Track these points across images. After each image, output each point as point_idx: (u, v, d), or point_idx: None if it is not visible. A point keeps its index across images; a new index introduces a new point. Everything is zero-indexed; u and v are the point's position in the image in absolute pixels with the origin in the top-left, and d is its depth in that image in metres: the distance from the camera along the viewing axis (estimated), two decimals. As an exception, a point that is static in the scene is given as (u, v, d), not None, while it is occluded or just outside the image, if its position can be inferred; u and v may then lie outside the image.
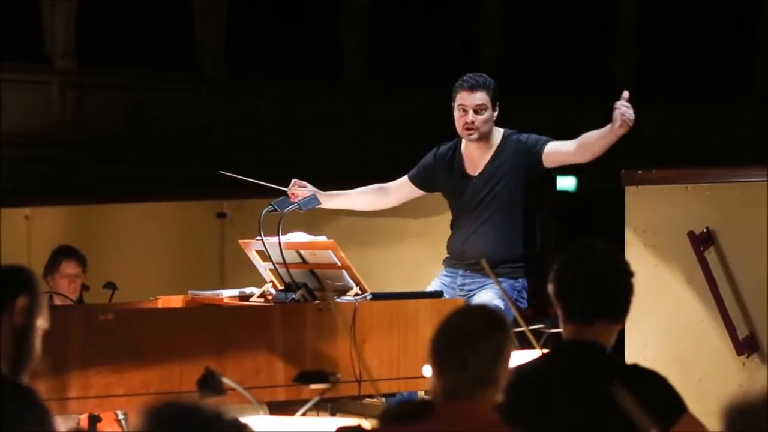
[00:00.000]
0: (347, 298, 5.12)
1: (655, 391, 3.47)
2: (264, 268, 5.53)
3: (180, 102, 16.25)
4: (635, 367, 3.59)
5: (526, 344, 4.91)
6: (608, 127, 5.46)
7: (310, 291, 5.09)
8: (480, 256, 5.32)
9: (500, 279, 5.46)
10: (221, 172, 5.84)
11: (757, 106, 19.35)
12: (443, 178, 5.78)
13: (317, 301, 5.04)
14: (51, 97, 15.44)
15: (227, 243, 8.44)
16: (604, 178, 6.58)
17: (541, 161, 5.57)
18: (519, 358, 3.86)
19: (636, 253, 5.52)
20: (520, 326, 5.07)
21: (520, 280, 5.57)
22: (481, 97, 5.61)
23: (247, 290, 5.51)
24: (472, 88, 5.62)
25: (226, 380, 4.26)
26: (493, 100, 5.64)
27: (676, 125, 18.83)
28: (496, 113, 5.66)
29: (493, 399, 3.22)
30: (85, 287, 6.95)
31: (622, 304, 3.58)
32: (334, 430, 3.74)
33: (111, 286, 6.73)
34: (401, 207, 7.19)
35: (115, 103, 15.73)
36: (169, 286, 6.34)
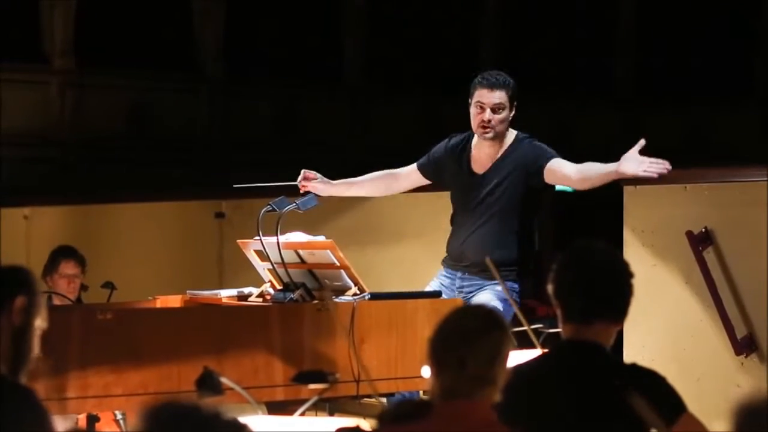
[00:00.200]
0: (346, 298, 5.12)
1: (654, 391, 3.47)
2: (262, 268, 5.53)
3: (179, 102, 16.24)
4: (634, 367, 3.59)
5: (525, 344, 4.91)
6: (614, 166, 5.22)
7: (308, 291, 5.09)
8: (484, 256, 5.34)
9: (494, 282, 5.47)
10: (234, 186, 5.85)
11: (757, 106, 19.35)
12: (450, 171, 5.76)
13: (316, 301, 5.04)
14: (50, 97, 15.43)
15: (226, 243, 8.44)
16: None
17: (542, 174, 5.50)
18: (518, 357, 3.86)
19: (634, 253, 5.53)
20: (519, 326, 5.08)
21: (511, 282, 5.52)
22: (500, 96, 5.57)
23: (246, 290, 5.51)
24: (492, 86, 5.58)
25: (224, 380, 4.26)
26: (511, 100, 5.60)
27: (676, 125, 18.83)
28: (512, 113, 5.63)
29: (491, 398, 3.22)
30: (83, 287, 6.94)
31: (622, 304, 3.58)
32: (333, 430, 3.73)
33: (109, 285, 6.73)
34: (400, 207, 7.19)
35: (115, 103, 15.72)
36: (168, 286, 6.34)
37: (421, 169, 5.87)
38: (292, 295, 5.06)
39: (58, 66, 15.46)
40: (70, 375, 4.55)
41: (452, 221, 5.79)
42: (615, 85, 19.23)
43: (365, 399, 5.36)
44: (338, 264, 5.20)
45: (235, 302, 5.44)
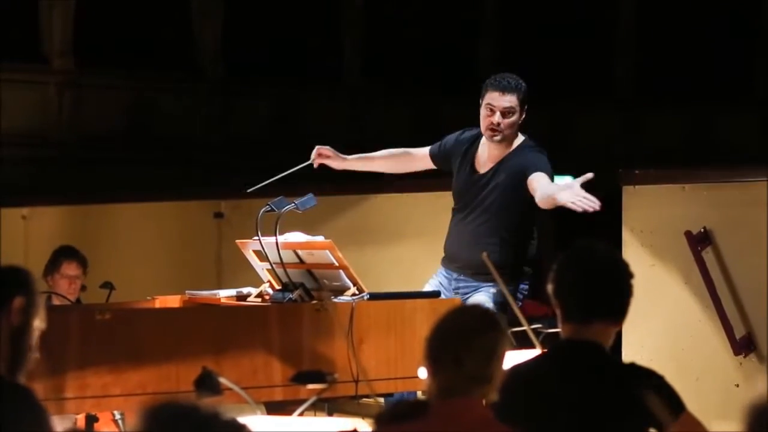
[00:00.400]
0: (344, 298, 5.12)
1: (652, 390, 3.47)
2: (261, 268, 5.52)
3: (178, 102, 16.24)
4: (633, 366, 3.59)
5: (524, 344, 4.91)
6: (555, 191, 5.23)
7: (307, 291, 5.09)
8: (475, 256, 5.33)
9: (489, 284, 5.47)
10: (248, 190, 5.86)
11: (757, 106, 19.35)
12: (456, 164, 5.76)
13: (314, 302, 5.03)
14: (48, 97, 15.43)
15: (224, 243, 8.45)
16: (601, 178, 6.57)
17: (526, 184, 5.51)
18: (517, 357, 3.86)
19: (633, 253, 5.52)
20: (516, 325, 5.08)
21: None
22: (510, 100, 5.54)
23: (245, 290, 5.51)
24: (504, 89, 5.55)
25: (223, 380, 4.26)
26: (522, 104, 5.57)
27: (676, 125, 18.83)
28: (523, 117, 5.61)
29: (488, 397, 3.23)
30: (82, 287, 6.94)
31: (621, 305, 3.58)
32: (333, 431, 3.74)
33: (108, 285, 6.72)
34: (399, 207, 7.19)
35: (113, 103, 15.72)
36: (167, 286, 6.34)
37: (432, 156, 5.88)
38: (290, 296, 5.06)
39: (57, 66, 15.47)
40: (68, 375, 4.54)
41: (452, 215, 5.79)
42: (615, 85, 19.22)
43: (364, 399, 5.36)
44: (337, 264, 5.19)
45: (234, 302, 5.44)
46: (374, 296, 5.17)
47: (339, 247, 5.19)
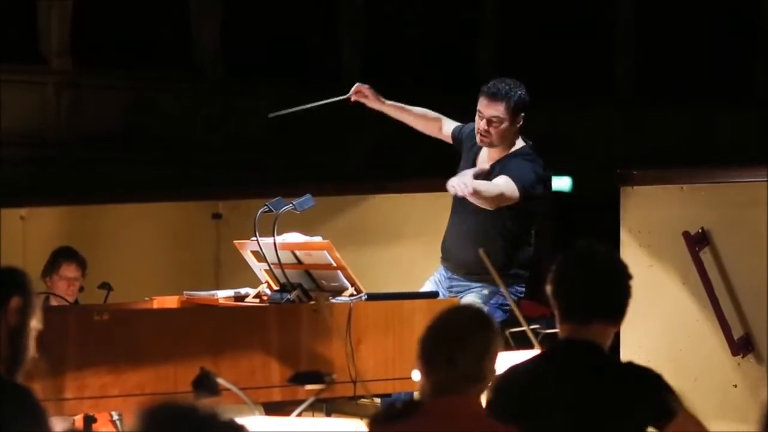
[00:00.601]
0: (342, 298, 5.12)
1: (650, 389, 3.47)
2: (259, 268, 5.52)
3: (177, 102, 16.24)
4: (631, 365, 3.60)
5: (522, 344, 4.91)
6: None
7: (305, 291, 5.09)
8: (465, 255, 5.33)
9: (481, 284, 5.47)
10: (270, 115, 5.87)
11: (757, 106, 19.35)
12: (464, 152, 5.78)
13: (312, 302, 5.03)
14: (47, 98, 15.42)
15: (222, 243, 8.44)
16: (600, 178, 6.58)
17: None
18: (515, 357, 3.87)
19: (631, 254, 5.52)
20: (514, 326, 5.08)
21: (491, 285, 5.48)
22: (497, 109, 5.51)
23: (243, 291, 5.51)
24: (492, 97, 5.53)
25: (221, 381, 4.26)
26: (514, 112, 5.51)
27: (676, 125, 18.83)
28: (518, 125, 5.57)
29: (481, 394, 3.24)
30: (80, 288, 6.93)
31: (620, 306, 3.58)
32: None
33: (106, 286, 6.71)
34: (397, 207, 7.19)
35: (112, 103, 15.72)
36: (165, 287, 6.34)
37: (452, 136, 5.88)
38: (288, 296, 5.06)
39: (56, 66, 15.46)
40: (67, 376, 4.55)
41: (449, 218, 5.79)
42: (615, 85, 19.22)
43: (362, 399, 5.36)
44: (335, 265, 5.19)
45: (232, 303, 5.44)
46: (372, 297, 5.17)
47: (337, 247, 5.19)
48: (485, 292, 5.49)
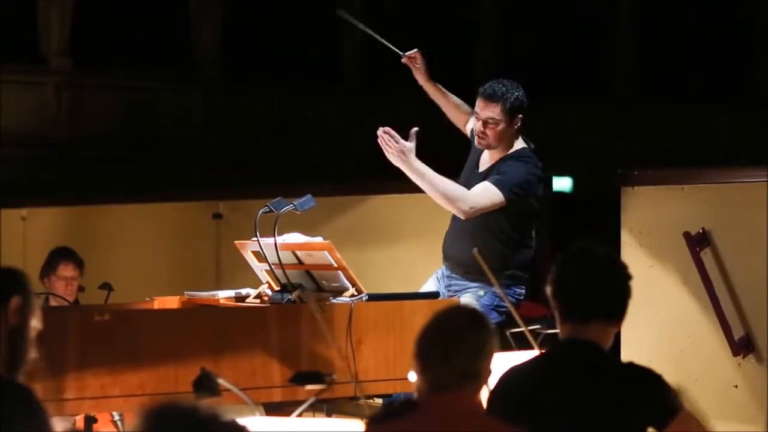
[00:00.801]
0: (343, 299, 5.12)
1: (651, 389, 3.47)
2: (260, 269, 5.52)
3: (177, 102, 16.25)
4: (631, 365, 3.60)
5: (523, 345, 4.91)
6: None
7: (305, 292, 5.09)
8: (461, 253, 5.32)
9: (477, 285, 5.46)
10: (340, 12, 5.89)
11: (756, 107, 19.37)
12: (471, 152, 5.78)
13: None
14: (47, 98, 15.43)
15: (223, 244, 8.44)
16: (600, 178, 6.58)
17: None
18: (515, 358, 3.87)
19: (632, 254, 5.52)
20: (512, 326, 5.08)
21: (486, 285, 5.47)
22: (492, 111, 5.50)
23: (243, 291, 5.51)
24: (488, 98, 5.52)
25: (221, 381, 4.26)
26: (511, 113, 5.50)
27: (675, 125, 18.85)
28: (516, 126, 5.55)
29: (478, 391, 3.25)
30: (80, 288, 6.93)
31: (620, 306, 3.58)
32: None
33: (107, 287, 6.71)
34: (398, 208, 7.18)
35: (111, 103, 15.73)
36: (165, 287, 6.34)
37: (469, 133, 5.85)
38: (289, 296, 5.06)
39: (55, 66, 15.47)
40: (67, 376, 4.54)
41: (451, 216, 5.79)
42: (614, 85, 19.23)
43: (363, 400, 5.36)
44: (336, 265, 5.19)
45: (233, 303, 5.44)
46: (373, 297, 5.17)
47: (338, 248, 5.19)
48: (481, 292, 5.49)
